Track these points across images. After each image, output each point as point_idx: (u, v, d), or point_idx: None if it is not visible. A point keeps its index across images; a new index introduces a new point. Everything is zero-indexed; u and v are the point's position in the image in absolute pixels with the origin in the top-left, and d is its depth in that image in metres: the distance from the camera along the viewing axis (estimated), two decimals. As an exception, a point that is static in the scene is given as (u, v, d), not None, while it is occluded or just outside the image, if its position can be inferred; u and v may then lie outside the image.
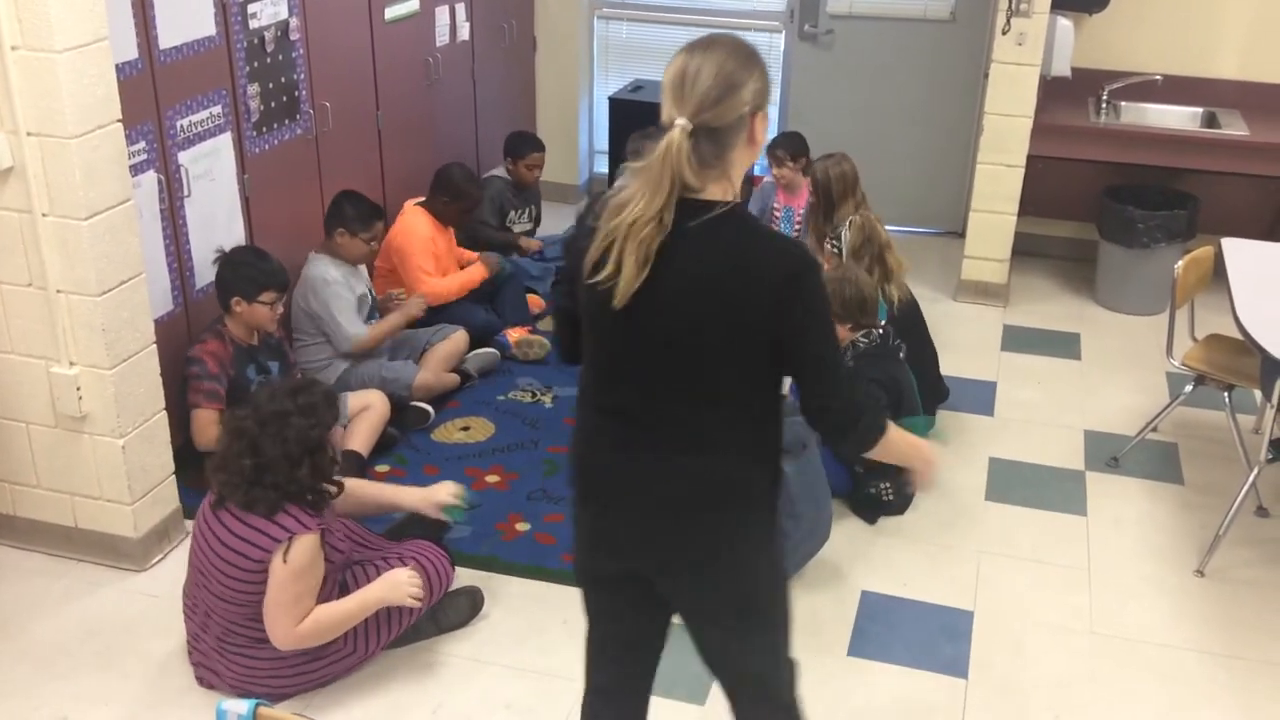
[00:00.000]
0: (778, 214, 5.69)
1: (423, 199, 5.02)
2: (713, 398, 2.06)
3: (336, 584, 3.12)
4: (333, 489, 3.07)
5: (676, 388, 2.06)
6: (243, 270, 3.84)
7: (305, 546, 2.93)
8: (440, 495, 3.41)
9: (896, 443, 2.20)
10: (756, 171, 6.50)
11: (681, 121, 1.92)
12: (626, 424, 2.13)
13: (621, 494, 2.17)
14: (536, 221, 5.91)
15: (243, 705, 1.98)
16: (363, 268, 4.56)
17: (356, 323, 4.36)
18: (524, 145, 5.68)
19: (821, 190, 4.76)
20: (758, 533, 2.18)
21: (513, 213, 5.74)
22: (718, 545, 2.14)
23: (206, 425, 3.78)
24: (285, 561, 2.90)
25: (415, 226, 4.89)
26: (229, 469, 2.95)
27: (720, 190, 2.00)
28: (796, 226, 5.68)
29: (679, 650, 3.34)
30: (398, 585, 3.13)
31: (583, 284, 2.05)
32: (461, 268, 5.16)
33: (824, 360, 2.06)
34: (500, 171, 5.73)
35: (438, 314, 4.88)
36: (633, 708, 2.47)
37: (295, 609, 2.95)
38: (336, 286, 4.32)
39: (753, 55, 2.02)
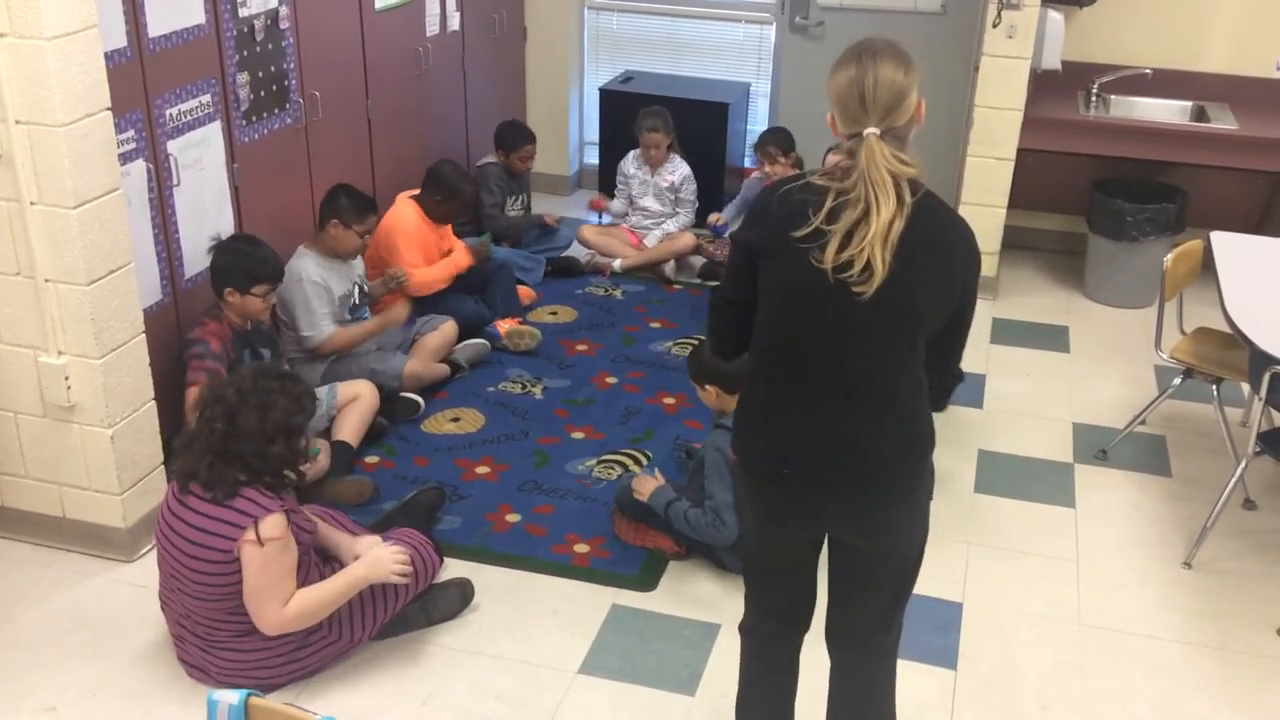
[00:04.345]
0: (768, 207, 5.69)
1: (416, 192, 5.02)
2: (911, 361, 2.28)
3: (315, 568, 3.11)
4: (294, 477, 3.06)
5: (886, 353, 2.26)
6: (237, 261, 3.82)
7: (274, 525, 2.90)
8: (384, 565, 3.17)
9: None
10: (748, 164, 6.52)
11: (871, 130, 2.17)
12: (836, 393, 2.29)
13: (830, 461, 2.33)
14: (526, 209, 5.92)
15: (234, 696, 1.97)
16: (357, 261, 4.55)
17: (321, 325, 4.31)
18: (516, 137, 5.70)
19: None
20: (931, 483, 2.45)
21: (508, 199, 5.75)
22: (914, 497, 2.40)
23: None
24: (260, 544, 2.87)
25: (403, 216, 4.88)
26: (197, 438, 2.92)
27: (916, 165, 2.21)
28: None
29: (669, 641, 3.35)
30: (381, 562, 3.11)
31: (791, 270, 2.21)
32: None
33: (968, 328, 2.38)
34: (492, 158, 5.73)
35: (427, 305, 4.88)
36: (795, 649, 2.70)
37: (279, 591, 2.94)
38: (308, 286, 4.27)
39: (908, 56, 2.24)
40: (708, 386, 3.67)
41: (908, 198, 2.16)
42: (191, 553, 2.91)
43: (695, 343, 5.01)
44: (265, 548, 2.88)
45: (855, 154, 2.16)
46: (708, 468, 3.56)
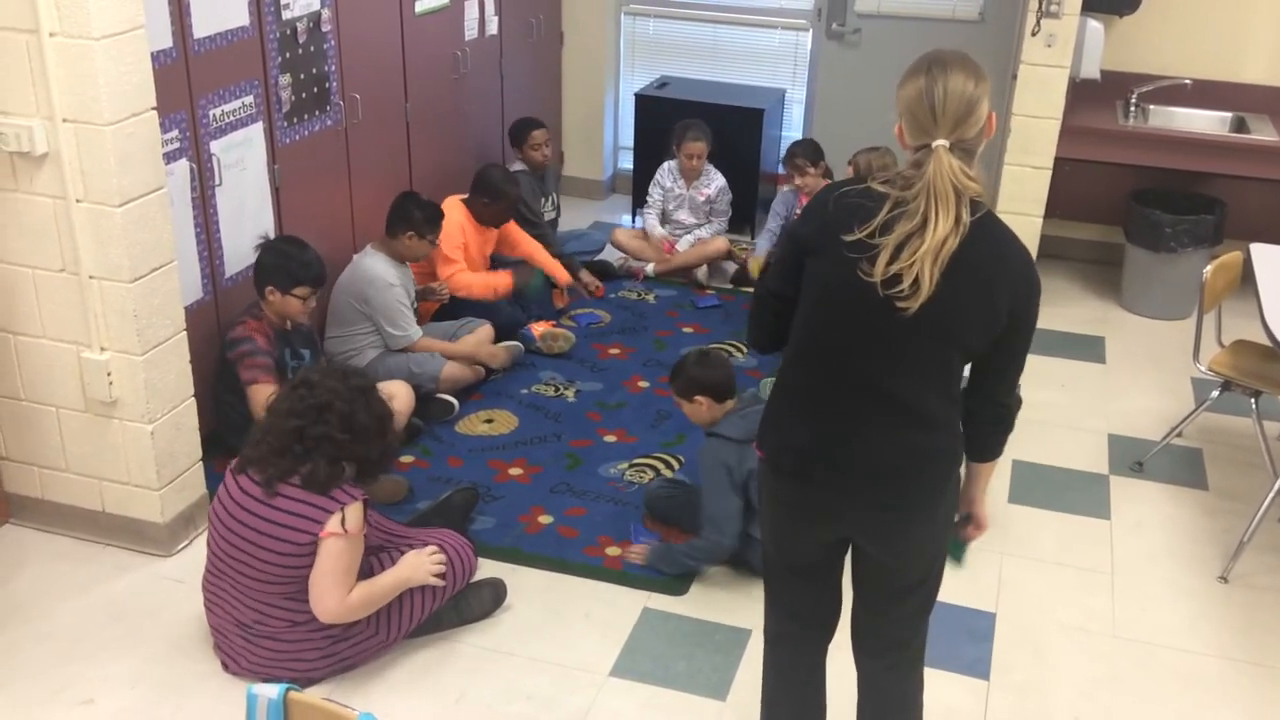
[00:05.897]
0: (801, 218, 5.68)
1: (465, 196, 5.07)
2: (944, 378, 2.26)
3: (365, 563, 3.15)
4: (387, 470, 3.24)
5: (920, 368, 2.24)
6: (281, 261, 3.86)
7: (358, 514, 2.99)
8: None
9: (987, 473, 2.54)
10: (782, 170, 6.49)
11: (941, 142, 2.15)
12: (864, 400, 2.28)
13: (850, 466, 2.32)
14: (556, 211, 5.92)
15: (273, 690, 1.99)
16: (408, 264, 4.62)
17: (411, 326, 4.47)
18: (523, 128, 5.66)
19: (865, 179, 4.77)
20: (955, 499, 2.44)
21: (539, 201, 5.76)
22: (934, 509, 2.37)
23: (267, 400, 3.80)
24: (345, 530, 2.94)
25: (448, 218, 4.92)
26: (283, 442, 2.96)
27: (980, 183, 2.18)
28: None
29: (700, 646, 3.36)
30: (419, 566, 3.18)
31: (835, 273, 2.20)
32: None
33: (1021, 357, 2.33)
34: (519, 165, 5.73)
35: (464, 307, 4.91)
36: (818, 657, 2.69)
37: (347, 579, 3.01)
38: (398, 291, 4.41)
39: (979, 67, 2.22)
40: (698, 399, 3.62)
41: (965, 217, 2.14)
42: (275, 534, 2.96)
43: (725, 349, 5.03)
44: (347, 535, 2.95)
45: (922, 165, 2.15)
46: (704, 477, 3.54)
